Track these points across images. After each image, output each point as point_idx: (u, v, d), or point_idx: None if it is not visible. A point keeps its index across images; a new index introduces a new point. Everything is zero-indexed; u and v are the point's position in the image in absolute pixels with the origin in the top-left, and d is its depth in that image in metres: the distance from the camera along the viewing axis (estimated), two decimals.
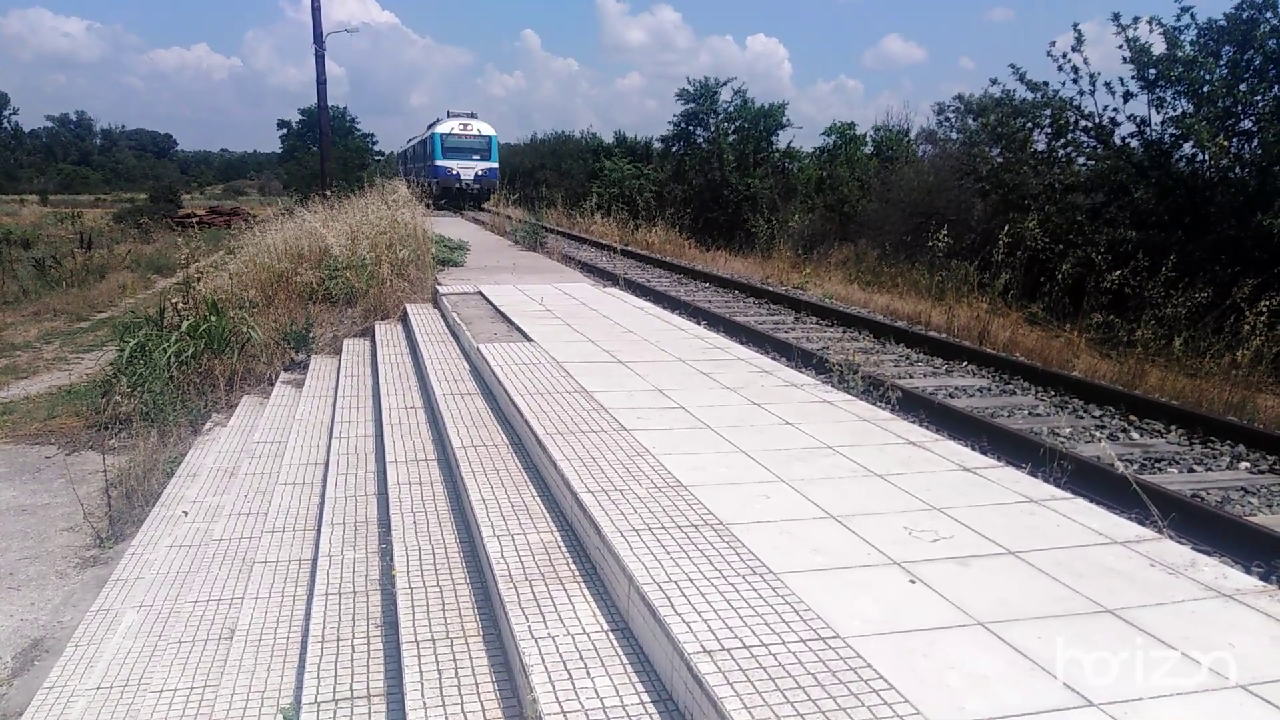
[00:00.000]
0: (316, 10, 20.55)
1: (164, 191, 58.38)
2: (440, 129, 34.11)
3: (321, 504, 5.07)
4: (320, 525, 4.74)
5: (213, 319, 9.15)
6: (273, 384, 8.66)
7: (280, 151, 77.52)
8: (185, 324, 9.12)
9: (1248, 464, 6.26)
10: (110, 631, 4.52)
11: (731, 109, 35.02)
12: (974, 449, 4.87)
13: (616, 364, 6.30)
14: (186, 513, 5.83)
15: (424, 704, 2.79)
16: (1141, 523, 3.71)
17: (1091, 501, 3.93)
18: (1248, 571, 4.13)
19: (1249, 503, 5.51)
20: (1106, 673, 2.41)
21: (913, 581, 2.97)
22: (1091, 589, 2.94)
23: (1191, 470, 6.08)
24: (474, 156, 33.93)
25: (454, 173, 33.39)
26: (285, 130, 74.47)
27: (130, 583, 5.07)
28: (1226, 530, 4.77)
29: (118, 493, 6.65)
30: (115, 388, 8.56)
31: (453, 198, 32.90)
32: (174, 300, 10.06)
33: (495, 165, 34.76)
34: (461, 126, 34.19)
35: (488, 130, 35.04)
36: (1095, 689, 2.33)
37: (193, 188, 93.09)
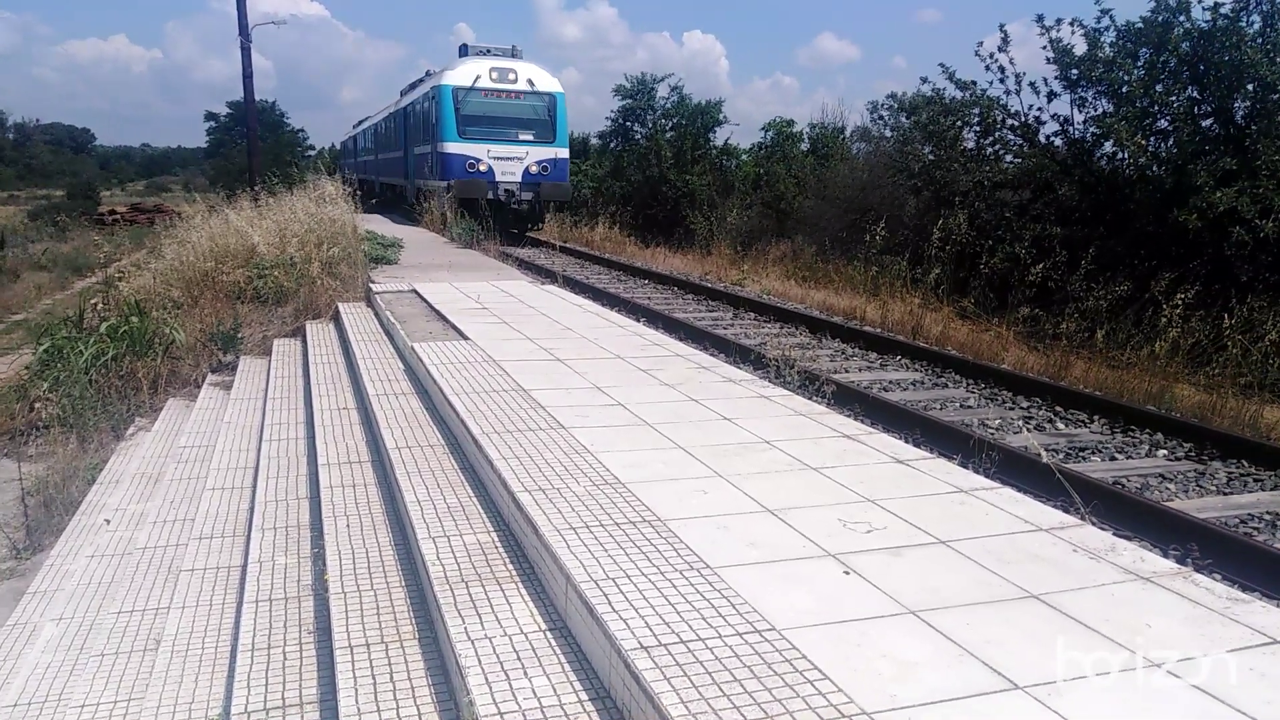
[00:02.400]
0: (241, 1, 19.98)
1: (82, 188, 56.20)
2: (453, 78, 18.28)
3: (251, 509, 4.94)
4: (250, 531, 4.61)
5: (134, 320, 8.84)
6: (199, 386, 8.40)
7: (206, 147, 75.33)
8: (105, 325, 8.79)
9: (1165, 451, 6.51)
10: (28, 646, 4.33)
11: (669, 105, 34.98)
12: (907, 441, 4.98)
13: (555, 362, 6.26)
14: (109, 521, 5.62)
15: (358, 710, 2.73)
16: (1065, 510, 3.83)
17: (1019, 490, 4.05)
18: (1165, 555, 4.30)
19: (1166, 488, 5.73)
20: (1031, 656, 2.48)
21: (847, 572, 3.01)
22: (1018, 575, 3.02)
23: (1113, 458, 6.30)
24: (522, 135, 18.37)
25: (482, 168, 17.79)
26: (212, 124, 72.41)
27: (49, 595, 4.87)
28: (1145, 515, 4.95)
29: (35, 501, 6.39)
30: (31, 392, 8.21)
31: (497, 218, 17.31)
32: (93, 301, 9.69)
33: (564, 153, 19.11)
34: (495, 75, 18.35)
35: (547, 82, 19.13)
36: (1020, 672, 2.40)
37: (113, 184, 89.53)
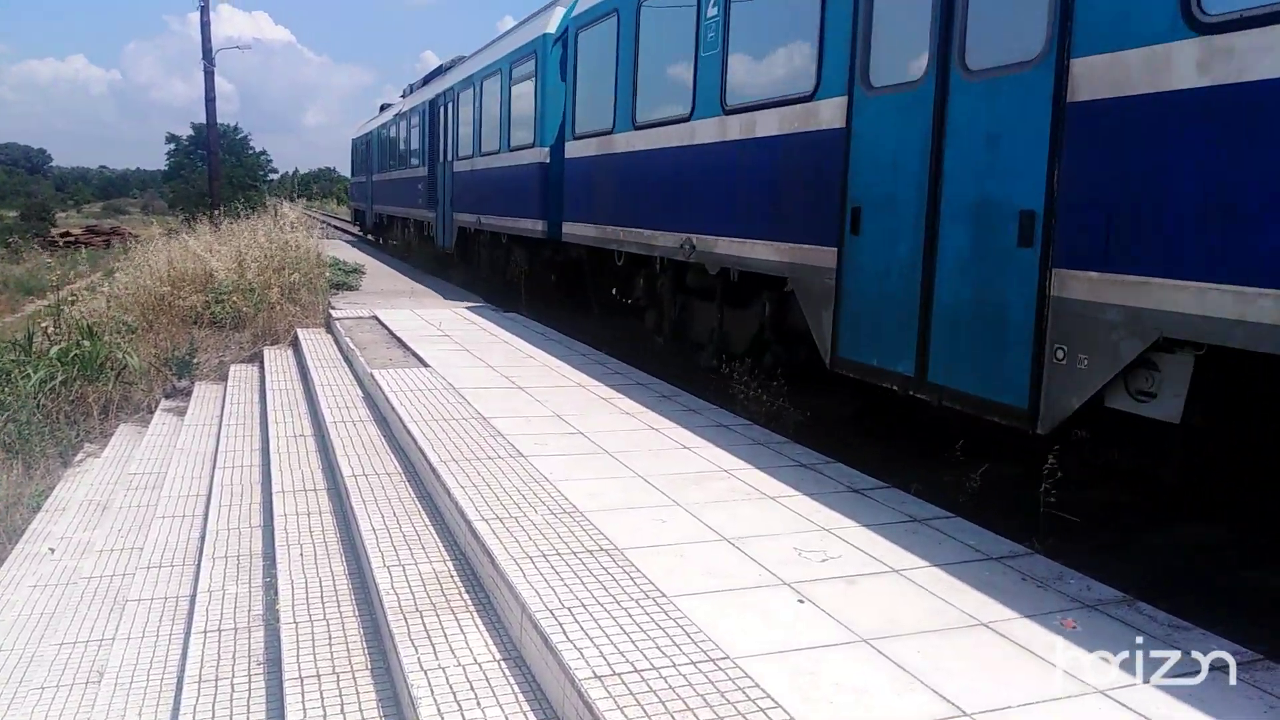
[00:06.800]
0: (205, 25, 19.93)
1: (36, 209, 55.11)
2: None
3: (203, 537, 4.84)
4: (200, 559, 4.52)
5: (86, 344, 8.66)
6: (152, 412, 8.24)
7: (166, 169, 74.21)
8: (55, 349, 8.60)
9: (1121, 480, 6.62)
10: None
11: None
12: (863, 470, 5.03)
13: (515, 389, 6.26)
14: (53, 549, 5.47)
15: None
16: (1017, 539, 3.89)
17: (971, 519, 4.11)
18: (1110, 584, 4.37)
19: (1120, 518, 5.83)
20: (979, 683, 2.52)
21: (801, 601, 3.04)
22: (968, 603, 3.07)
23: (1067, 488, 6.39)
24: None
25: None
26: (173, 145, 71.38)
27: None
28: (1094, 544, 5.04)
29: None
30: None
31: None
32: (44, 324, 9.49)
33: None
34: None
35: None
36: (969, 699, 2.43)
37: (69, 205, 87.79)
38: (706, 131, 6.62)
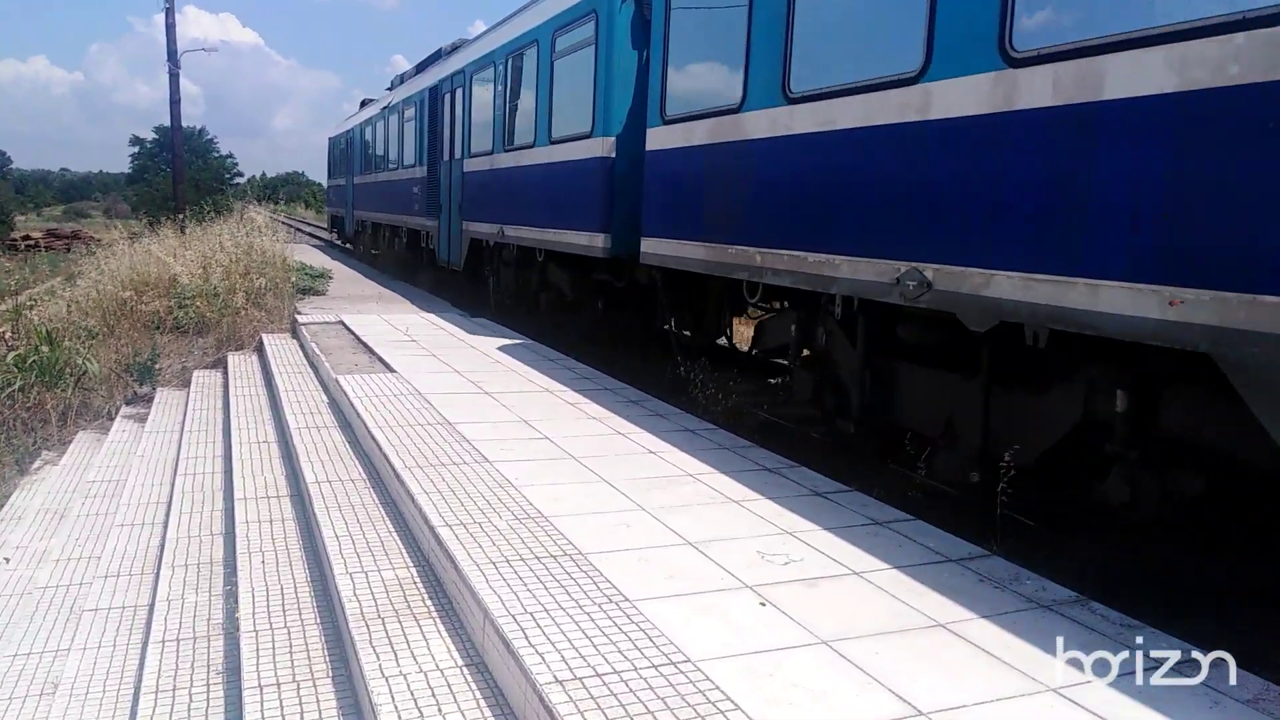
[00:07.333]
0: (171, 27, 19.69)
1: None
2: None
3: (162, 545, 4.78)
4: (159, 568, 4.46)
5: (44, 350, 8.51)
6: (113, 419, 8.11)
7: (129, 172, 72.96)
8: (12, 355, 8.44)
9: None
10: None
11: None
12: (826, 474, 5.07)
13: (482, 395, 6.24)
14: (8, 559, 5.36)
15: None
16: (975, 541, 3.95)
17: (931, 523, 4.16)
18: (1065, 585, 4.45)
19: (1074, 519, 5.93)
20: (936, 683, 2.56)
21: (763, 604, 3.06)
22: (926, 605, 3.11)
23: (1027, 490, 6.49)
24: None
25: None
26: (138, 148, 70.22)
27: None
28: (1050, 546, 5.12)
29: None
30: None
31: None
32: (2, 329, 9.31)
33: None
34: None
35: None
36: (925, 699, 2.47)
37: (29, 208, 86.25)
38: (960, 98, 4.09)
